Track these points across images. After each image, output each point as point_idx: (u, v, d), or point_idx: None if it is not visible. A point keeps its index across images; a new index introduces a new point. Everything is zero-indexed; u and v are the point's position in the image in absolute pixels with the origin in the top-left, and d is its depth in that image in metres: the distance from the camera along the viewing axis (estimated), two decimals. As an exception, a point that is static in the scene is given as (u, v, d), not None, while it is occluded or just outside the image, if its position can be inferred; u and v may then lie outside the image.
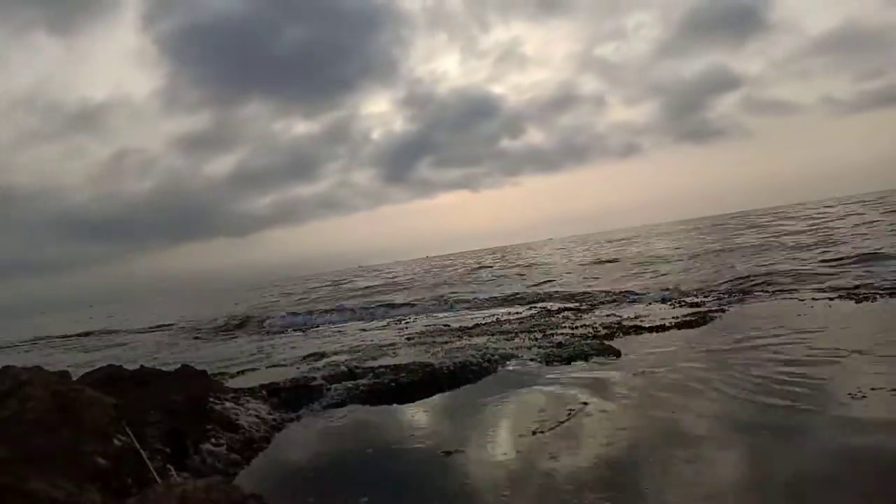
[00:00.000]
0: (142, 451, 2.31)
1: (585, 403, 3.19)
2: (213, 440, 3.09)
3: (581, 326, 6.34)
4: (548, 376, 4.03)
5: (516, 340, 5.69)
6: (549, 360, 4.58)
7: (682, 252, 15.40)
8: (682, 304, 7.35)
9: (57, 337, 17.47)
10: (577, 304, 8.64)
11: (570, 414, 3.04)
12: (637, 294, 8.86)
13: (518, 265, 20.19)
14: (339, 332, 9.17)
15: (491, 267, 21.61)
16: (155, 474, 2.23)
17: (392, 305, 12.27)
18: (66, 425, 2.07)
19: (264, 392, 4.10)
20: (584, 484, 2.19)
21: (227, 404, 3.63)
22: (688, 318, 5.90)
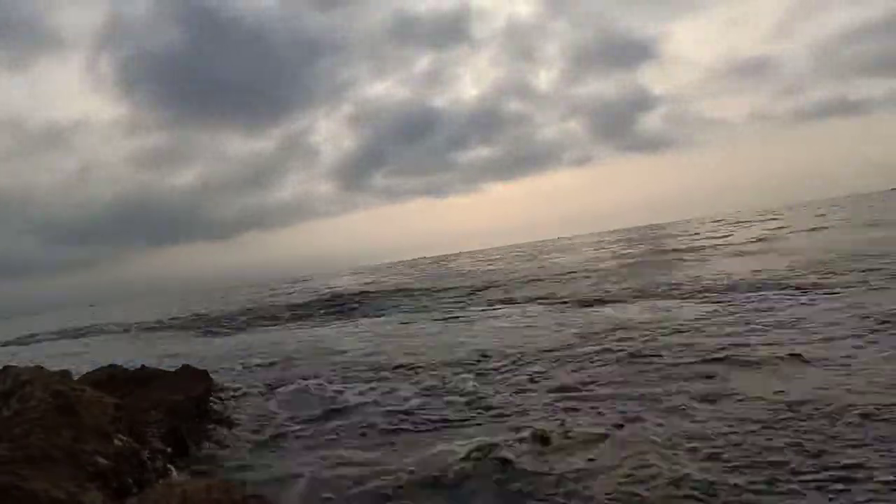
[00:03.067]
0: (142, 450, 2.32)
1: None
2: (213, 440, 3.09)
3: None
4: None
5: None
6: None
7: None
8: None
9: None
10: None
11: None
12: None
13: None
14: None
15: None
16: (155, 474, 2.23)
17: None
18: (67, 425, 2.08)
19: (265, 392, 4.11)
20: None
21: (228, 404, 3.64)
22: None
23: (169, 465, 2.43)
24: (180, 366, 4.02)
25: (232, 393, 3.96)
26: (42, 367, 2.67)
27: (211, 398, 3.54)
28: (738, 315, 5.19)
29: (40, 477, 1.69)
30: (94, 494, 1.76)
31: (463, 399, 3.55)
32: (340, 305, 12.36)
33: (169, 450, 2.59)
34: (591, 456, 2.41)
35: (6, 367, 2.69)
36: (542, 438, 2.58)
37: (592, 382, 3.56)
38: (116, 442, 2.18)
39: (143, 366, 4.01)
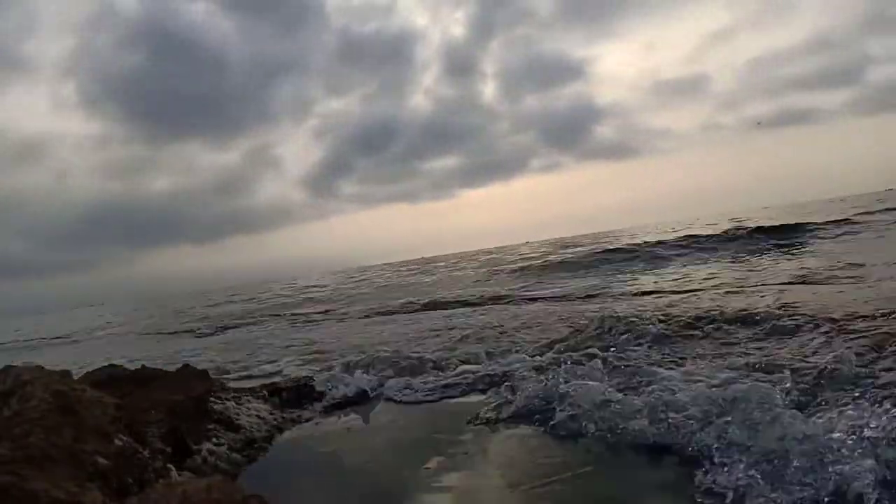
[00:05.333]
0: (143, 450, 2.32)
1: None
2: (213, 440, 3.09)
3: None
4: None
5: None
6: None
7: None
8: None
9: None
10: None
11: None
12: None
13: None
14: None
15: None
16: (156, 474, 2.23)
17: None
18: (68, 425, 2.07)
19: (265, 392, 4.11)
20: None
21: (228, 404, 3.63)
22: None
23: (169, 465, 2.43)
24: (181, 365, 4.02)
25: (233, 393, 3.96)
26: (42, 367, 2.67)
27: (211, 398, 3.54)
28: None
29: (40, 477, 1.69)
30: (94, 494, 1.76)
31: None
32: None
33: (169, 450, 2.59)
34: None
35: (7, 367, 2.69)
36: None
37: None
38: (117, 442, 2.18)
39: (143, 366, 4.01)
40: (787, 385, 2.75)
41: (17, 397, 2.22)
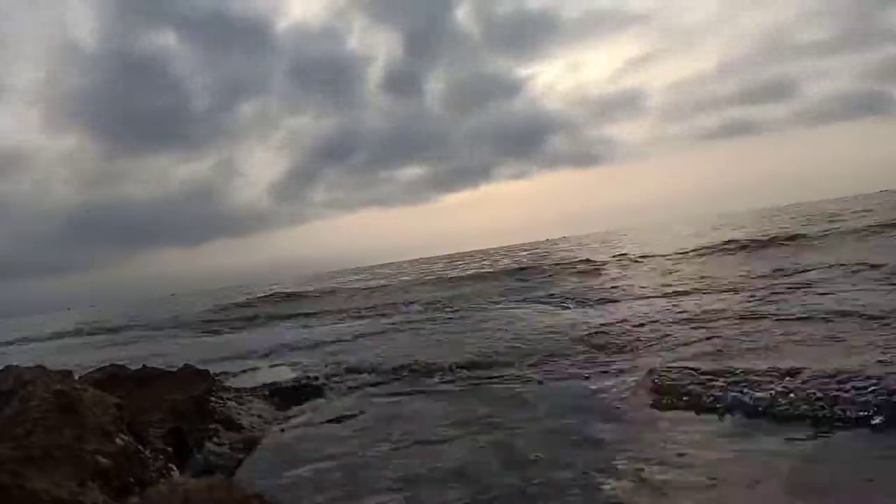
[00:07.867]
0: (144, 450, 2.32)
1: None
2: (215, 440, 3.09)
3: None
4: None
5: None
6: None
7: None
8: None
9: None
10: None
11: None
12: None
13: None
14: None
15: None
16: (157, 473, 2.23)
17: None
18: (69, 424, 2.07)
19: (266, 391, 4.11)
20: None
21: (229, 404, 3.63)
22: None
23: (170, 465, 2.43)
24: (182, 365, 4.03)
25: (234, 392, 3.96)
26: (44, 367, 2.67)
27: (212, 398, 3.54)
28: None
29: (42, 476, 1.69)
30: (95, 494, 1.76)
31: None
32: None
33: (170, 449, 2.59)
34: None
35: (8, 367, 2.70)
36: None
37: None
38: (118, 441, 2.18)
39: (144, 365, 4.01)
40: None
41: (18, 397, 2.22)
